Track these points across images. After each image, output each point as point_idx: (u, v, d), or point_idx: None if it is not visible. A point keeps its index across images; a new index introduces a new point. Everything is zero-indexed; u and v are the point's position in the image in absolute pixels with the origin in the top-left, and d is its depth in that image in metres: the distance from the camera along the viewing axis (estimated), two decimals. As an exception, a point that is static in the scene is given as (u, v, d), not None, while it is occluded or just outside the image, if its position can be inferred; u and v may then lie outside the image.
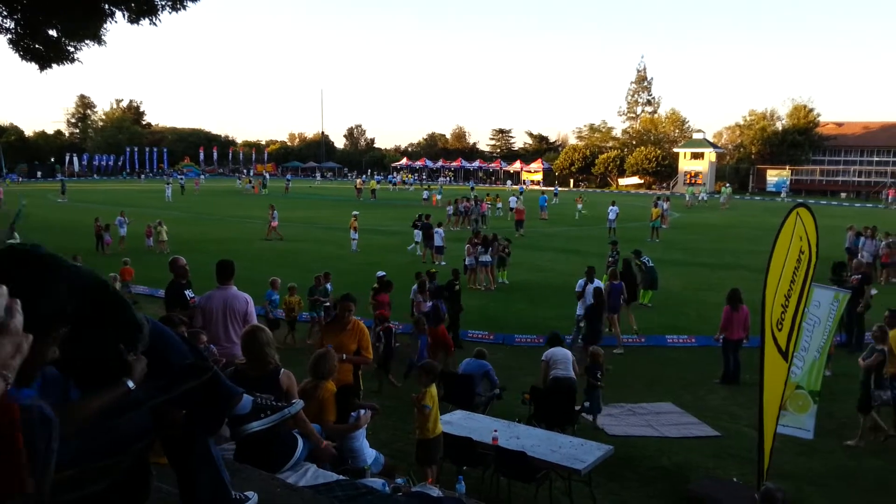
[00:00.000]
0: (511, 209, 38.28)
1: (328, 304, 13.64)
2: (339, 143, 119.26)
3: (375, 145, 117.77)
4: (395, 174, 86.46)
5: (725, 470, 8.87)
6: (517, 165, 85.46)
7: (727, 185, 59.92)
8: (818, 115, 73.91)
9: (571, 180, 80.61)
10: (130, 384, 2.50)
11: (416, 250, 25.63)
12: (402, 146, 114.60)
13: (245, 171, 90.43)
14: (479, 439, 7.68)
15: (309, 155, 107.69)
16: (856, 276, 15.54)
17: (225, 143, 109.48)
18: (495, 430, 7.70)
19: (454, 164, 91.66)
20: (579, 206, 42.79)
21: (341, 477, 4.71)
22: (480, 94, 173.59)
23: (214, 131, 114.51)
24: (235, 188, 67.97)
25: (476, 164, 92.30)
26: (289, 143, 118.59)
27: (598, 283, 14.22)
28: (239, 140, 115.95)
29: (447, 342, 12.39)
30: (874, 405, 9.81)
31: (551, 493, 7.48)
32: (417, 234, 25.65)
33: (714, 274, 21.82)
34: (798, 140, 71.70)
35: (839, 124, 77.14)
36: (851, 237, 23.36)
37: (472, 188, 58.92)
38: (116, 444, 2.60)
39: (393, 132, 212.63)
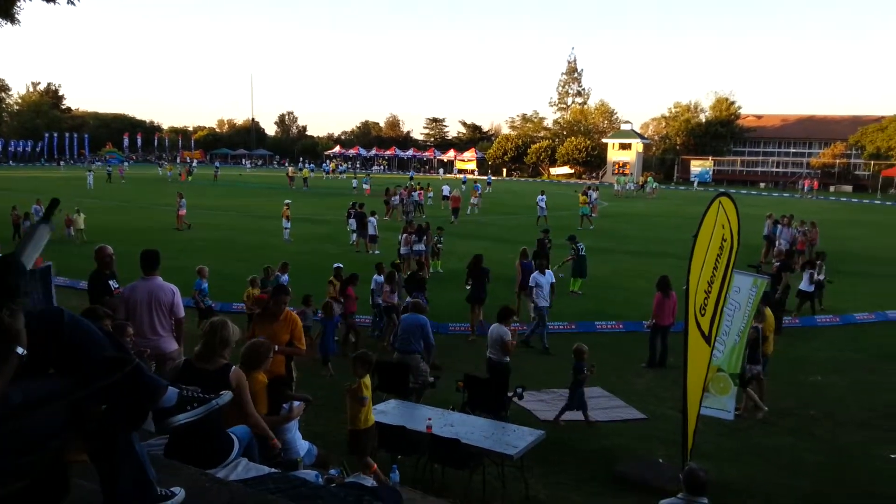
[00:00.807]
0: (444, 197, 38.44)
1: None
2: (270, 130, 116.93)
3: (308, 133, 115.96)
4: (327, 162, 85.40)
5: (652, 451, 9.16)
6: (451, 154, 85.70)
7: (652, 175, 61.75)
8: (739, 107, 76.88)
9: (504, 170, 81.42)
10: (20, 350, 2.39)
11: (353, 239, 25.39)
12: (336, 134, 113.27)
13: (167, 157, 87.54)
14: (413, 428, 7.70)
15: (238, 142, 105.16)
16: (776, 262, 16.30)
17: (150, 129, 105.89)
18: (429, 419, 7.74)
19: (388, 152, 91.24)
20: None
21: (273, 470, 4.63)
22: (414, 83, 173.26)
23: (139, 117, 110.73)
24: (159, 176, 65.83)
25: (410, 152, 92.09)
26: (217, 130, 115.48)
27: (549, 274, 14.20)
28: (165, 126, 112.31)
29: None
30: (747, 377, 10.33)
31: (485, 479, 7.57)
32: (352, 223, 25.44)
33: (641, 261, 22.44)
34: (720, 132, 74.38)
35: (759, 117, 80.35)
36: (769, 225, 24.40)
37: (412, 177, 58.72)
38: (31, 443, 2.49)
39: (326, 120, 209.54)
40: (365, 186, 47.91)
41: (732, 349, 9.00)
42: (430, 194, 42.71)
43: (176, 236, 26.78)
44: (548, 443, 8.37)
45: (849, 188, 65.11)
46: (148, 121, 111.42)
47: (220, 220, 32.70)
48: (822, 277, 16.67)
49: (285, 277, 14.49)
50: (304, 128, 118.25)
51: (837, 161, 69.78)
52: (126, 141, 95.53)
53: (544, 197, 33.68)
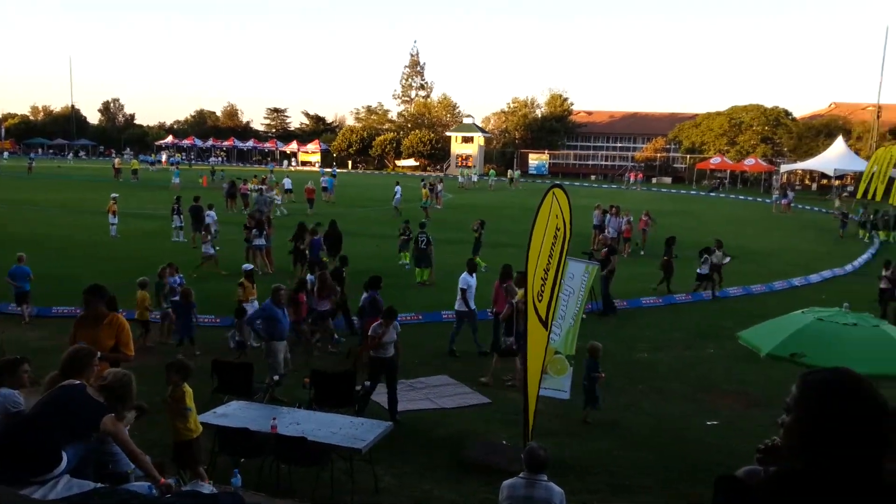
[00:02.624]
0: (287, 191, 37.52)
1: (176, 297, 13.07)
2: (93, 118, 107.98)
3: (136, 122, 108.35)
4: (160, 153, 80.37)
5: (496, 434, 9.48)
6: (294, 146, 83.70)
7: (493, 168, 63.94)
8: (572, 104, 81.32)
9: (349, 162, 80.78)
10: None
11: (178, 237, 24.00)
12: (168, 123, 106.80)
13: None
14: (256, 429, 7.43)
15: (56, 131, 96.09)
16: (604, 249, 17.43)
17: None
18: (274, 418, 7.50)
19: (226, 143, 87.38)
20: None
21: (99, 485, 4.28)
22: (254, 71, 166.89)
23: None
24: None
25: (250, 143, 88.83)
26: (31, 117, 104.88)
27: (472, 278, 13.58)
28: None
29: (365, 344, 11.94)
30: (503, 347, 11.53)
31: (332, 475, 7.46)
32: (176, 220, 24.04)
33: (485, 251, 23.09)
34: (555, 126, 78.31)
35: (589, 113, 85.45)
36: (598, 215, 26.07)
37: (272, 170, 56.22)
38: None
39: (156, 108, 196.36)
40: (175, 181, 41.92)
41: (568, 332, 9.49)
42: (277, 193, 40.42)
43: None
44: (397, 433, 8.39)
45: (668, 180, 70.96)
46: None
47: (33, 215, 29.80)
48: (727, 261, 18.40)
49: (177, 279, 13.77)
50: (132, 116, 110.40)
51: (658, 155, 75.73)
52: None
53: (399, 188, 34.07)
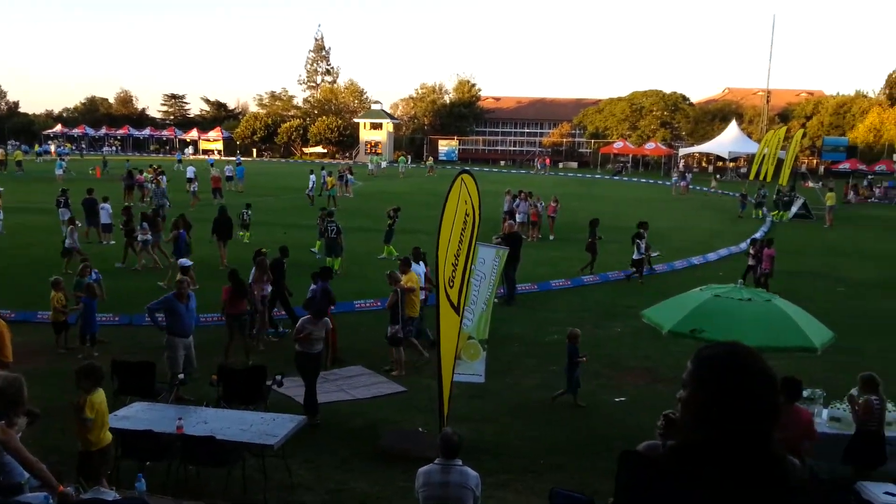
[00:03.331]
0: (189, 180, 36.04)
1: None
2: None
3: (21, 110, 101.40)
4: (48, 143, 75.63)
5: (411, 422, 9.47)
6: (194, 134, 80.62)
7: (405, 154, 63.71)
8: (479, 89, 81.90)
9: (254, 150, 78.62)
10: None
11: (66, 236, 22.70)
12: (56, 111, 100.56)
13: None
14: (161, 430, 7.13)
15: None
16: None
17: None
18: (180, 418, 7.21)
19: (120, 131, 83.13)
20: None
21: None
22: (147, 56, 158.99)
23: None
24: None
25: (147, 131, 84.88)
26: None
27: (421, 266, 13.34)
28: None
29: (333, 337, 11.56)
30: (388, 335, 11.49)
31: (244, 473, 7.26)
32: (63, 213, 22.50)
33: (396, 238, 23.05)
34: (463, 112, 78.75)
35: (497, 99, 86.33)
36: (508, 200, 26.43)
37: (180, 160, 53.63)
38: None
39: (43, 95, 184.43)
40: (58, 172, 39.50)
41: (481, 316, 9.56)
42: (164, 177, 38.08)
43: None
44: (311, 426, 8.24)
45: (574, 164, 72.77)
46: None
47: None
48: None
49: (93, 275, 13.06)
50: (16, 104, 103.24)
51: (564, 140, 77.49)
52: None
53: (314, 176, 33.44)
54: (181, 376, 9.32)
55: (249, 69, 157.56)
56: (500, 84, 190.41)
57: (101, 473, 6.23)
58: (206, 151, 74.62)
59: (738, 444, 1.83)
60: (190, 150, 73.25)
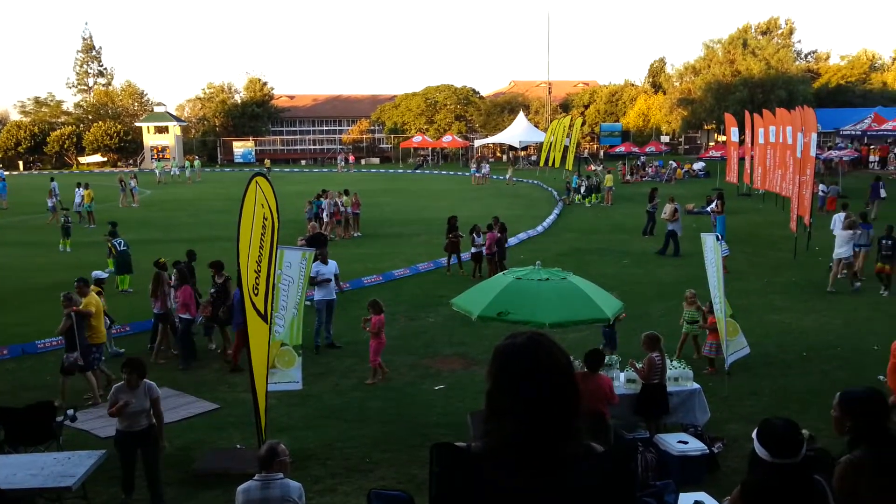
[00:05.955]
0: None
1: None
2: None
3: None
4: None
5: (228, 439, 9.01)
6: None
7: (196, 158, 60.23)
8: (272, 88, 79.59)
9: (21, 162, 70.33)
10: None
11: None
12: None
13: None
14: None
15: None
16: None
17: None
18: (-52, 476, 6.25)
19: None
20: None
21: None
22: None
23: None
24: None
25: None
26: None
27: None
28: None
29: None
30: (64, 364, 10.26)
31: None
32: None
33: (195, 247, 21.75)
34: (257, 112, 76.08)
35: (291, 97, 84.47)
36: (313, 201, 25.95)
37: None
38: None
39: None
40: None
41: (292, 322, 9.30)
42: None
43: None
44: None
45: (377, 160, 73.30)
46: None
47: None
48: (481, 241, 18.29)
49: None
50: None
51: (364, 136, 77.71)
52: None
53: (81, 191, 29.65)
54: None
55: (6, 73, 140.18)
56: (294, 82, 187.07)
57: None
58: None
59: (537, 436, 1.87)
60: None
